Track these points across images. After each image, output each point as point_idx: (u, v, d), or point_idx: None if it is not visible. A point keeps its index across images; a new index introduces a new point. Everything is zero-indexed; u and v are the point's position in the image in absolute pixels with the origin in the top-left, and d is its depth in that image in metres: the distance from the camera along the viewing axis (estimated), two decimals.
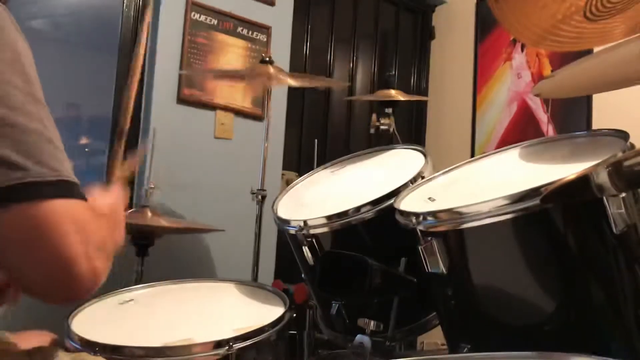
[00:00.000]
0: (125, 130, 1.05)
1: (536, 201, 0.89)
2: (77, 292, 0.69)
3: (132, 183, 2.20)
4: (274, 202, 1.51)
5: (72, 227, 0.66)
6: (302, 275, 1.46)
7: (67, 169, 0.68)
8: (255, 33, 2.54)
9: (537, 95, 2.61)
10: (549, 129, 2.76)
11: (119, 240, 0.88)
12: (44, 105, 0.68)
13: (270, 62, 1.91)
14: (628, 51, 1.04)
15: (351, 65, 3.11)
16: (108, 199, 0.91)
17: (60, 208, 0.65)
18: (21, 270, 0.67)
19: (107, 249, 0.74)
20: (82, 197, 0.69)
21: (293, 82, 1.96)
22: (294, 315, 1.28)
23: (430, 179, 1.30)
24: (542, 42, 1.17)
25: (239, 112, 2.48)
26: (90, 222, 0.69)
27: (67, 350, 1.11)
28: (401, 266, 1.20)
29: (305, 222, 1.31)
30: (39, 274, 0.67)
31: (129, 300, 1.38)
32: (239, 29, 2.50)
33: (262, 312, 1.26)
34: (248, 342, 1.12)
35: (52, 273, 0.66)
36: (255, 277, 1.94)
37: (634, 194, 0.87)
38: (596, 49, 1.16)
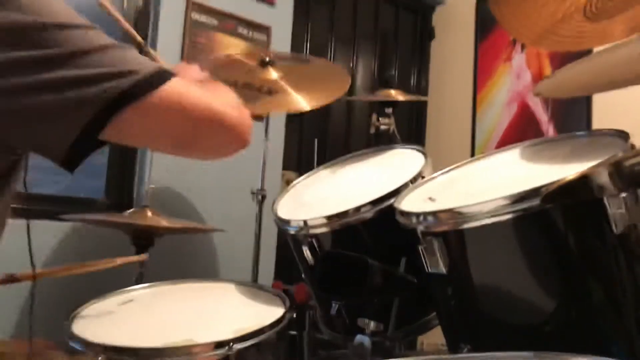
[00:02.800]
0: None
1: (536, 201, 0.89)
2: (240, 135, 0.81)
3: (129, 180, 2.20)
4: (274, 202, 1.51)
5: (198, 91, 0.77)
6: (302, 276, 1.46)
7: (153, 64, 0.75)
8: (255, 33, 2.54)
9: (537, 95, 2.61)
10: (549, 129, 2.76)
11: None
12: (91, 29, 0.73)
13: (270, 63, 1.91)
14: (628, 52, 1.04)
15: (351, 65, 3.11)
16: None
17: (178, 83, 0.75)
18: (193, 142, 0.78)
19: (231, 101, 0.83)
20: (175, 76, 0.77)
21: None
22: (294, 315, 1.28)
23: (430, 179, 1.30)
24: (542, 42, 1.17)
25: None
26: (204, 85, 0.82)
27: (67, 351, 1.11)
28: (401, 266, 1.20)
29: (305, 222, 1.31)
30: (206, 138, 0.78)
31: (129, 301, 1.38)
32: (239, 29, 2.50)
33: (262, 313, 1.26)
34: (248, 343, 1.12)
35: (215, 131, 0.78)
36: (255, 278, 1.94)
37: (635, 193, 0.87)
38: (596, 49, 1.16)
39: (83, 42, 0.70)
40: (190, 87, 0.77)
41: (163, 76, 0.74)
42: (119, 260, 1.36)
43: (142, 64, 0.73)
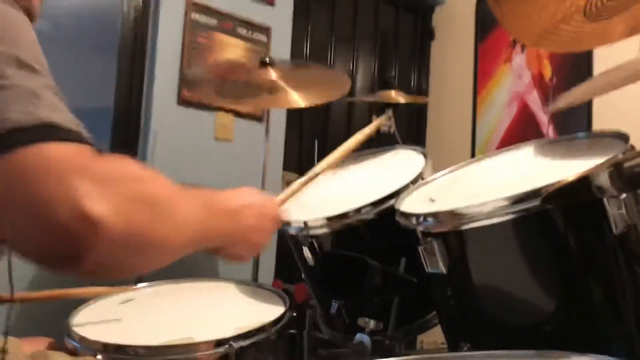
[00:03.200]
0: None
1: (537, 202, 0.89)
2: (66, 242, 0.54)
3: None
4: None
5: (45, 169, 0.54)
6: (302, 276, 1.47)
7: (48, 113, 0.58)
8: (255, 33, 2.55)
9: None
10: (549, 130, 2.76)
11: (248, 247, 0.82)
12: (33, 69, 0.61)
13: (270, 63, 1.91)
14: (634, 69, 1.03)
15: (351, 65, 3.11)
16: (265, 199, 0.86)
17: (40, 152, 0.55)
18: (8, 225, 0.57)
19: (112, 190, 0.57)
20: (71, 140, 0.58)
21: None
22: (294, 314, 1.28)
23: (430, 180, 1.31)
24: (542, 42, 1.17)
25: (239, 113, 2.48)
26: (82, 164, 0.56)
27: (67, 351, 1.11)
28: (401, 266, 1.21)
29: (305, 222, 1.31)
30: (21, 226, 0.56)
31: (130, 300, 1.38)
32: (239, 30, 2.50)
33: (262, 312, 1.26)
34: (248, 341, 1.12)
35: (31, 222, 0.55)
36: (255, 277, 1.94)
37: (634, 194, 0.87)
38: (596, 51, 1.16)
39: None
40: (50, 161, 0.55)
41: (43, 134, 0.56)
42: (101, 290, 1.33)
43: (31, 113, 0.56)
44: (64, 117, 0.59)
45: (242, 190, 0.86)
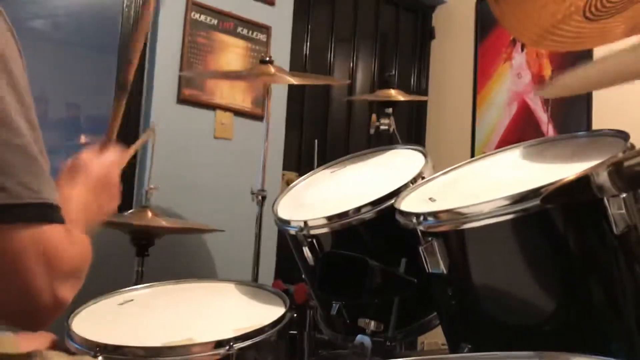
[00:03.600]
0: (128, 83, 0.99)
1: (536, 202, 0.89)
2: (38, 322, 0.69)
3: (129, 181, 2.20)
4: (274, 203, 1.51)
5: (40, 259, 0.64)
6: (303, 276, 1.46)
7: (48, 190, 0.65)
8: (255, 33, 2.54)
9: (538, 94, 2.61)
10: (549, 129, 2.76)
11: (110, 207, 0.91)
12: (30, 111, 0.66)
13: (270, 62, 1.91)
14: (631, 55, 1.03)
15: (351, 65, 3.11)
16: (103, 160, 0.91)
17: (32, 234, 0.63)
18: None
19: (79, 272, 0.71)
20: (61, 221, 0.66)
21: (293, 80, 1.96)
22: (295, 315, 1.28)
23: (430, 179, 1.30)
24: (541, 42, 1.17)
25: (239, 112, 2.48)
26: (63, 250, 0.66)
27: (67, 351, 1.11)
28: (401, 266, 1.20)
29: (305, 222, 1.31)
30: (2, 300, 0.65)
31: (129, 301, 1.38)
32: (239, 29, 2.50)
33: (262, 312, 1.26)
34: (248, 342, 1.12)
35: (13, 301, 0.65)
36: (255, 278, 1.94)
37: (635, 194, 0.87)
38: (597, 52, 1.16)
39: None
40: (56, 244, 0.65)
41: (44, 214, 0.64)
42: None
43: (34, 190, 0.63)
44: (53, 189, 0.66)
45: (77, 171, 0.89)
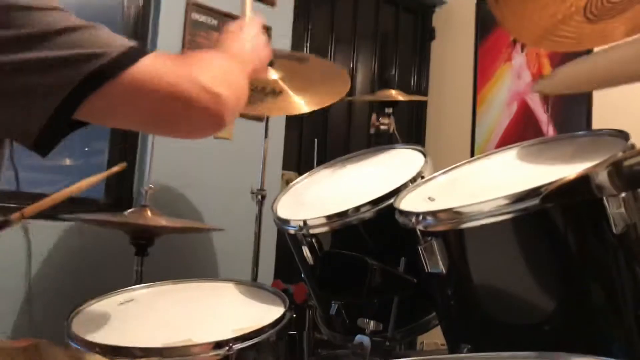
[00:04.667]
0: None
1: (536, 201, 0.89)
2: (212, 117, 0.80)
3: (129, 180, 2.20)
4: (273, 202, 1.51)
5: (171, 70, 0.77)
6: (302, 275, 1.46)
7: (126, 41, 0.76)
8: None
9: (536, 92, 2.61)
10: (549, 129, 2.76)
11: (260, 59, 1.10)
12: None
13: (270, 63, 1.91)
14: (629, 51, 1.04)
15: (351, 65, 3.11)
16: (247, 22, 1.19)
17: (149, 62, 0.75)
18: (148, 122, 0.80)
19: (231, 76, 0.86)
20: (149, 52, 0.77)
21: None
22: (294, 315, 1.28)
23: (430, 179, 1.30)
24: (542, 43, 1.17)
25: None
26: (177, 61, 0.80)
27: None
28: (401, 266, 1.20)
29: (305, 222, 1.30)
30: (163, 116, 0.78)
31: (129, 301, 1.38)
32: None
33: (261, 312, 1.26)
34: (248, 343, 1.12)
35: (169, 109, 0.77)
36: (255, 277, 1.94)
37: (634, 193, 0.87)
38: (596, 49, 1.16)
39: (52, 23, 0.70)
40: (162, 65, 0.77)
41: (132, 56, 0.74)
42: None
43: (111, 45, 0.73)
44: (126, 42, 0.77)
45: (242, 33, 1.13)
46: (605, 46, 1.12)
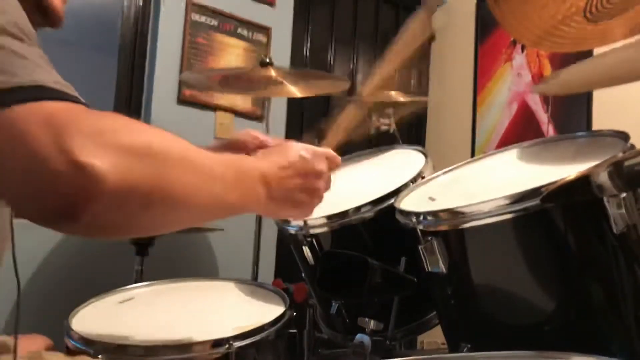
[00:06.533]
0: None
1: (536, 201, 0.89)
2: (63, 195, 0.53)
3: None
4: None
5: (42, 127, 0.53)
6: (302, 275, 1.46)
7: (40, 77, 0.57)
8: (255, 34, 2.55)
9: (537, 92, 2.61)
10: (549, 129, 2.76)
11: (306, 202, 0.78)
12: (19, 37, 0.60)
13: (270, 64, 1.91)
14: (629, 53, 1.04)
15: (351, 65, 3.11)
16: (310, 152, 0.81)
17: (30, 109, 0.54)
18: (5, 185, 0.56)
19: (103, 140, 0.55)
20: (64, 99, 0.57)
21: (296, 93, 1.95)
22: (294, 314, 1.28)
23: (430, 179, 1.31)
24: (542, 43, 1.17)
25: (239, 113, 2.48)
26: (79, 118, 0.56)
27: (67, 350, 1.11)
28: (401, 266, 1.20)
29: (305, 221, 1.30)
30: (17, 181, 0.54)
31: (129, 299, 1.38)
32: (239, 30, 2.50)
33: (262, 311, 1.26)
34: (248, 341, 1.12)
35: (28, 177, 0.54)
36: (255, 276, 1.94)
37: (635, 194, 0.87)
38: (597, 51, 1.17)
39: None
40: (34, 114, 0.54)
41: (37, 93, 0.56)
42: None
43: (26, 73, 0.57)
44: (54, 79, 0.59)
45: (274, 149, 0.81)
46: (606, 48, 1.12)
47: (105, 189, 0.53)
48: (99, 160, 0.53)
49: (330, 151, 0.88)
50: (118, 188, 0.54)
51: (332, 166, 0.87)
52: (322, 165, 0.83)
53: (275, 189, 0.75)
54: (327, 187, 0.85)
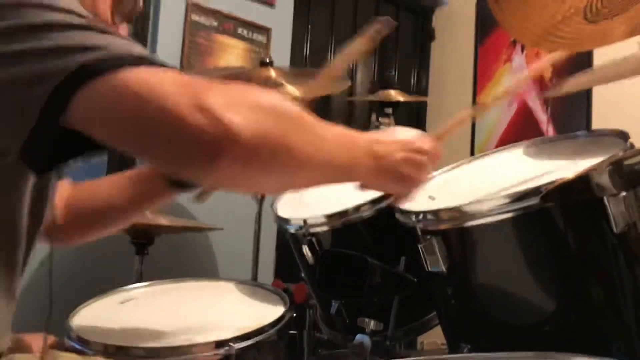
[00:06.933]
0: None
1: (536, 200, 0.89)
2: (202, 145, 0.58)
3: None
4: (273, 201, 1.51)
5: (174, 87, 0.60)
6: (302, 275, 1.46)
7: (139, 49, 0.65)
8: (255, 34, 2.55)
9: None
10: (548, 129, 2.76)
11: (415, 174, 0.83)
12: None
13: (270, 64, 1.91)
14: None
15: (351, 65, 3.11)
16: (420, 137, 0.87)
17: (145, 70, 0.61)
18: (136, 140, 0.62)
19: (222, 92, 0.62)
20: (165, 65, 0.64)
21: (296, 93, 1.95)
22: (294, 314, 1.28)
23: (430, 178, 1.30)
24: (541, 43, 1.17)
25: None
26: (202, 82, 0.63)
27: (67, 350, 1.11)
28: (401, 265, 1.20)
29: (305, 221, 1.31)
30: (152, 134, 0.60)
31: (129, 300, 1.38)
32: (239, 31, 2.50)
33: (262, 312, 1.26)
34: (248, 342, 1.12)
35: (160, 128, 0.59)
36: (255, 277, 1.94)
37: (634, 193, 0.87)
38: (596, 52, 1.17)
39: (45, 16, 0.62)
40: (168, 78, 0.61)
41: (135, 61, 0.61)
42: None
43: (111, 43, 0.62)
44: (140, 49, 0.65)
45: (388, 130, 0.87)
46: (605, 48, 1.12)
47: (241, 140, 0.59)
48: (235, 116, 0.59)
49: (435, 139, 0.93)
50: (251, 139, 0.60)
51: (433, 158, 0.90)
52: (427, 145, 0.88)
53: (382, 156, 0.80)
54: (433, 165, 0.90)
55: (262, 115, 0.63)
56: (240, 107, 0.61)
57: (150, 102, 0.59)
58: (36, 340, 0.98)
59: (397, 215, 1.12)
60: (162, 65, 0.64)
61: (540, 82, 2.81)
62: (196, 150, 0.59)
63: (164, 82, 0.60)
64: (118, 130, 0.62)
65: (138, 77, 0.60)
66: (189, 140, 0.59)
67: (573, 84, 1.22)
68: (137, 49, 0.64)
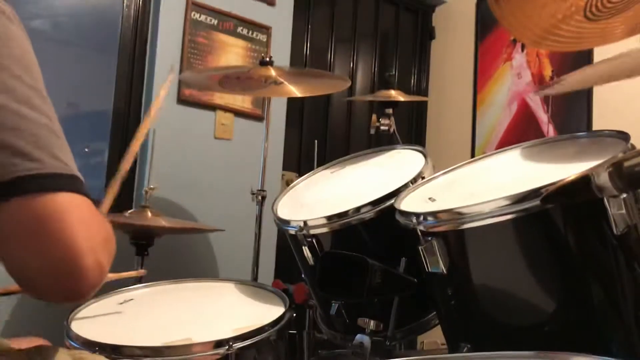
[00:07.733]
0: (122, 175, 1.11)
1: (537, 202, 0.89)
2: (83, 287, 0.66)
3: (129, 181, 2.20)
4: (274, 203, 1.51)
5: (80, 221, 0.65)
6: (302, 275, 1.46)
7: (74, 166, 0.68)
8: (255, 33, 2.54)
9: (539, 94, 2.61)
10: (549, 129, 2.76)
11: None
12: (49, 101, 0.69)
13: (270, 63, 1.91)
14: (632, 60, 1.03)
15: (351, 65, 3.11)
16: None
17: (71, 201, 0.65)
18: (26, 263, 0.65)
19: (109, 247, 0.71)
20: (88, 195, 0.68)
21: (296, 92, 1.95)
22: (294, 315, 1.28)
23: (430, 179, 1.30)
24: (542, 42, 1.17)
25: (239, 113, 2.48)
26: (95, 219, 0.69)
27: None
28: (401, 266, 1.20)
29: (305, 222, 1.31)
30: (45, 266, 0.65)
31: (129, 300, 1.38)
32: (239, 29, 2.50)
33: (262, 312, 1.26)
34: (248, 342, 1.12)
35: (58, 265, 0.64)
36: (255, 277, 1.94)
37: (635, 194, 0.87)
38: (597, 51, 1.16)
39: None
40: (89, 212, 0.67)
41: (66, 183, 0.65)
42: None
43: (65, 164, 0.66)
44: (74, 166, 0.69)
45: None
46: (605, 47, 1.12)
47: (104, 278, 0.69)
48: (104, 258, 0.68)
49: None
50: (103, 275, 0.69)
51: None
52: None
53: None
54: None
55: (109, 254, 0.72)
56: (105, 249, 0.70)
57: (61, 236, 0.64)
58: (25, 345, 0.98)
59: (398, 217, 1.12)
60: (81, 183, 0.68)
61: (540, 81, 2.82)
62: (75, 283, 0.66)
63: (77, 224, 0.65)
64: (19, 248, 0.65)
65: (59, 208, 0.64)
66: (80, 278, 0.65)
67: (573, 81, 1.22)
68: (67, 168, 0.67)
